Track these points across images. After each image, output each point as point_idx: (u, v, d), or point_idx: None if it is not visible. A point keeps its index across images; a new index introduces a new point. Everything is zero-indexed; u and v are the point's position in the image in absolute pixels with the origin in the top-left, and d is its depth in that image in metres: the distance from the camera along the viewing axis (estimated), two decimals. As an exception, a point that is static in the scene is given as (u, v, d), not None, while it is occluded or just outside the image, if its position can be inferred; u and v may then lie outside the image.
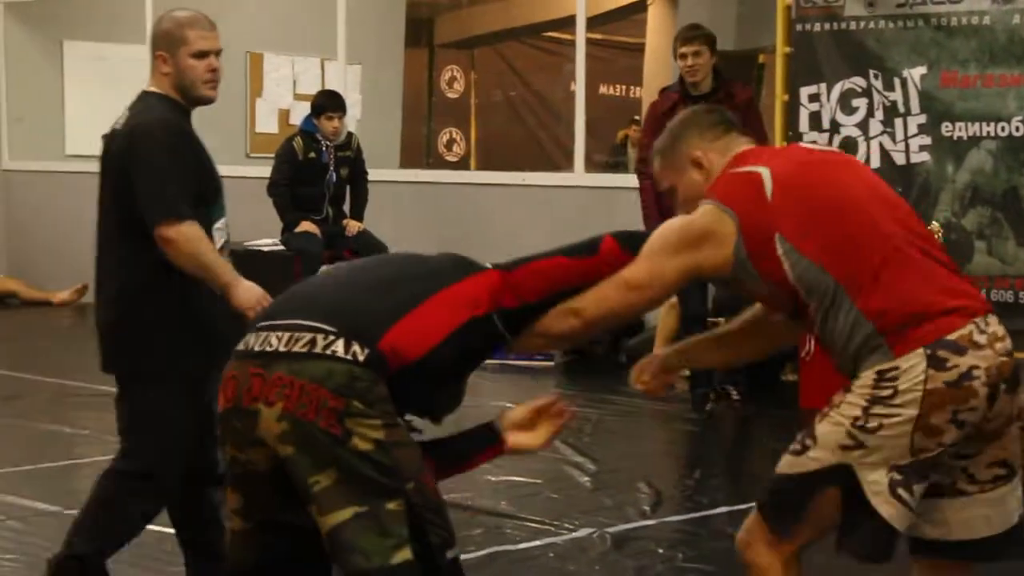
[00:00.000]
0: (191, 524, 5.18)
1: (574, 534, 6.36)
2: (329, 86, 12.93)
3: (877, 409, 3.75)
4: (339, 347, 3.58)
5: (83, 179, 14.30)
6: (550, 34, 18.01)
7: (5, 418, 8.92)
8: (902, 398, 3.73)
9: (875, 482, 3.77)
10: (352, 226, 10.97)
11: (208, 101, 5.03)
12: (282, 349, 3.62)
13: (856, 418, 3.77)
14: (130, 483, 5.00)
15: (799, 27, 9.57)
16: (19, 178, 14.72)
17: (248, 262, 10.63)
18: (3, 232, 14.83)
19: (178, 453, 4.94)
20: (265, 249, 11.25)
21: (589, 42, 12.40)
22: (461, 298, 3.78)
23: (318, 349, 3.59)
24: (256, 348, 3.68)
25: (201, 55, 4.95)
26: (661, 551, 6.16)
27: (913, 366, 3.73)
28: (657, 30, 15.99)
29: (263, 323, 3.76)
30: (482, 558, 6.04)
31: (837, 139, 9.45)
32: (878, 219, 3.89)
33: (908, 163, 9.25)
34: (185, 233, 4.75)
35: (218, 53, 4.99)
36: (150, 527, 6.32)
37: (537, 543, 6.23)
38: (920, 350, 3.73)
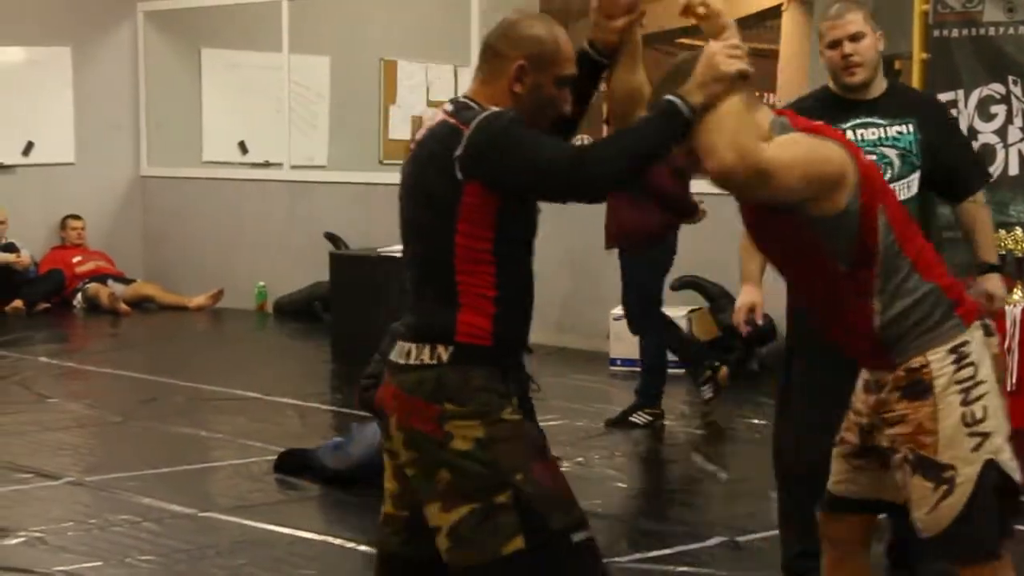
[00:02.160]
0: None
1: (706, 543, 6.33)
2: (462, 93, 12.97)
3: (973, 394, 3.86)
4: (425, 354, 3.76)
5: (220, 185, 14.47)
6: (683, 41, 17.94)
7: (142, 421, 9.03)
8: (983, 371, 3.88)
9: (1011, 458, 3.89)
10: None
11: (850, 86, 5.37)
12: (393, 360, 3.84)
13: (963, 417, 3.85)
14: None
15: (936, 32, 9.45)
16: (157, 184, 14.90)
17: (383, 267, 10.70)
18: (141, 237, 15.02)
19: None
20: (399, 255, 11.27)
21: (723, 48, 12.31)
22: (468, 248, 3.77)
23: (412, 360, 3.78)
24: (391, 358, 3.89)
25: (834, 44, 5.38)
26: (794, 562, 6.10)
27: (977, 337, 3.92)
28: (791, 36, 15.86)
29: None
30: (612, 566, 6.03)
31: (975, 146, 9.32)
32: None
33: (1048, 171, 9.11)
34: None
35: (853, 37, 5.34)
36: (281, 529, 6.40)
37: (668, 551, 6.20)
38: (977, 322, 3.95)
